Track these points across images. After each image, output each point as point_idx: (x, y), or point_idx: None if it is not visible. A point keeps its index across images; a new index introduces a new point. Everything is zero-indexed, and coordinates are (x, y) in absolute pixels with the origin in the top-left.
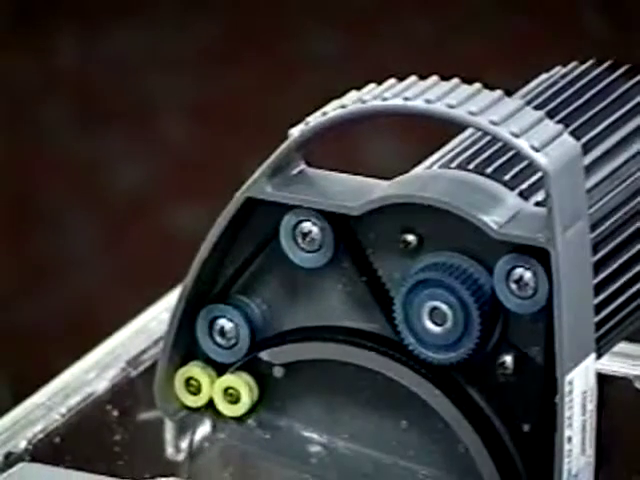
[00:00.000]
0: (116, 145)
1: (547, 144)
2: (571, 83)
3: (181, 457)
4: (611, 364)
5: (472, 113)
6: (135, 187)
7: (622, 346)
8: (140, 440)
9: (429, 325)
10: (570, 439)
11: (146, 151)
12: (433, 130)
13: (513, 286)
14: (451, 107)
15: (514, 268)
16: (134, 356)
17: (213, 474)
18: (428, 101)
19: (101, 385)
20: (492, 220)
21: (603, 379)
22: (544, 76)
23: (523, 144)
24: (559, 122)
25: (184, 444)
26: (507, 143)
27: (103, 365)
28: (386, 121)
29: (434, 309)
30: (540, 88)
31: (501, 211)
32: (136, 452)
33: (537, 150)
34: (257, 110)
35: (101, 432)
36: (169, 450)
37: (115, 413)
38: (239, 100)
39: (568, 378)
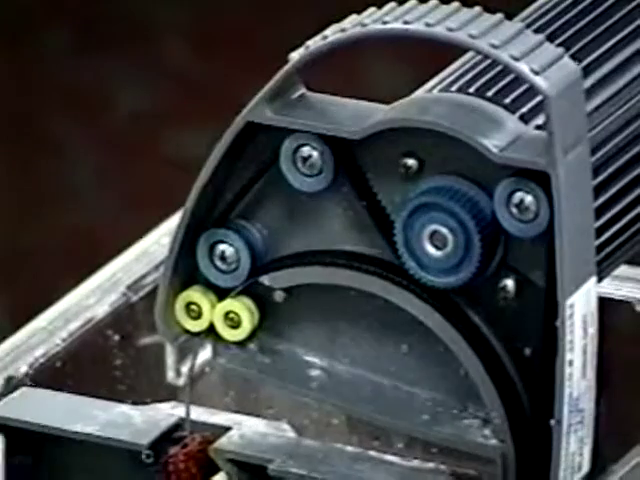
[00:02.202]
0: (117, 71)
1: (547, 67)
2: (571, 5)
3: (182, 381)
4: (612, 287)
5: (472, 36)
6: (137, 112)
7: (623, 269)
8: (141, 365)
9: (430, 249)
10: (571, 363)
11: (147, 76)
12: (434, 54)
13: (514, 210)
14: (451, 30)
15: (515, 192)
16: (135, 281)
17: (214, 398)
18: (428, 24)
19: (102, 310)
20: (493, 144)
21: (604, 302)
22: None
23: (523, 67)
24: (559, 45)
25: (185, 369)
26: (507, 66)
27: (104, 290)
28: (386, 45)
29: (435, 233)
30: (540, 11)
31: (502, 135)
32: (137, 377)
33: (537, 73)
34: (260, 34)
35: (102, 357)
36: (170, 374)
37: (116, 338)
38: (241, 25)
39: (569, 302)
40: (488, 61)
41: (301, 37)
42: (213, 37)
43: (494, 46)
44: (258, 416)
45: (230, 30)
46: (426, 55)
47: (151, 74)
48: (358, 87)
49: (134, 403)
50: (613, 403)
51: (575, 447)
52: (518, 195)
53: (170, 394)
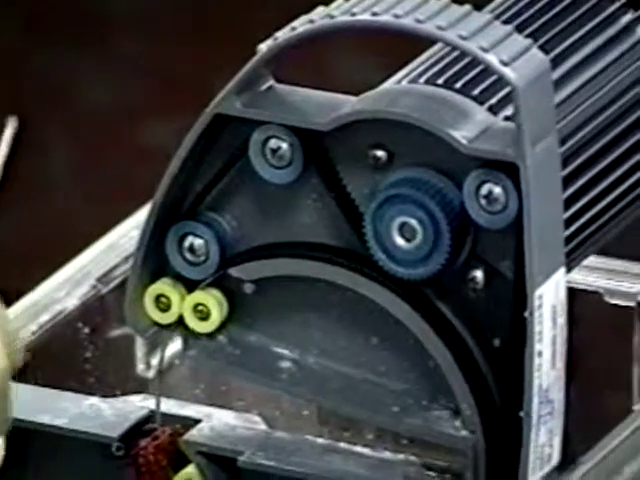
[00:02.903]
0: (84, 62)
1: (516, 58)
2: None
3: (152, 374)
4: (581, 278)
5: (441, 28)
6: (106, 104)
7: (592, 260)
8: (110, 357)
9: (399, 240)
10: (540, 353)
11: (116, 69)
12: (402, 45)
13: (483, 201)
14: (420, 22)
15: (483, 183)
16: (104, 273)
17: (184, 391)
18: (396, 16)
19: (71, 302)
20: (461, 135)
21: (573, 293)
22: None
23: (492, 59)
24: (528, 36)
25: (154, 361)
26: (476, 58)
27: (73, 282)
28: (355, 36)
29: (404, 224)
30: (509, 2)
31: (470, 126)
32: (107, 369)
33: (506, 64)
34: (229, 26)
35: (72, 349)
36: (140, 367)
37: (86, 330)
38: (210, 15)
39: (538, 292)
40: (457, 52)
41: (270, 28)
42: (182, 28)
43: (463, 37)
44: (228, 408)
45: (199, 21)
46: (395, 46)
47: (120, 66)
48: (327, 78)
49: (104, 395)
50: (583, 394)
51: (545, 438)
52: (487, 186)
53: (140, 386)
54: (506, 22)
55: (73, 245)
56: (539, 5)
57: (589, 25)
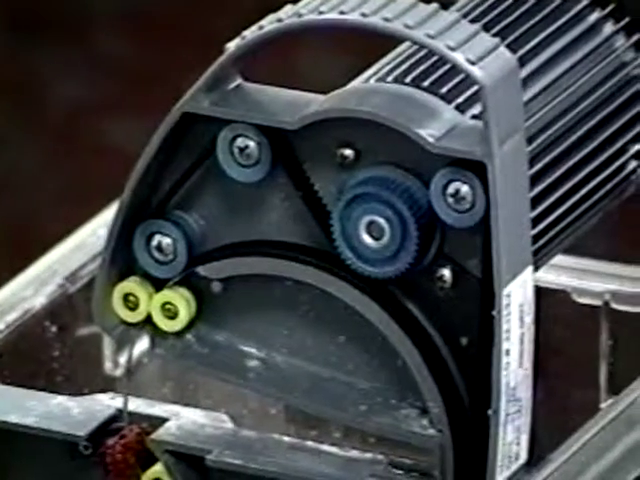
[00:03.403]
0: (53, 59)
1: (483, 57)
2: None
3: (119, 372)
4: (549, 277)
5: (408, 26)
6: (75, 103)
7: (559, 258)
8: (78, 356)
9: (366, 239)
10: (508, 352)
11: (84, 67)
12: (370, 43)
13: (450, 200)
14: (387, 20)
15: (451, 182)
16: (72, 272)
17: (152, 389)
18: (364, 15)
19: (39, 301)
20: (429, 134)
21: (541, 292)
22: None
23: (459, 57)
24: (495, 35)
25: (123, 359)
26: (443, 56)
27: (41, 281)
28: (323, 35)
29: (371, 223)
30: (476, 1)
31: (438, 124)
32: (75, 368)
33: (473, 63)
34: (198, 24)
35: (39, 348)
36: (108, 365)
37: (53, 329)
38: (180, 13)
39: (506, 291)
40: (424, 51)
41: (239, 27)
42: (151, 26)
43: (430, 36)
44: (196, 407)
45: (168, 19)
46: (362, 45)
47: (88, 64)
48: (295, 77)
49: (72, 394)
50: (550, 392)
51: (512, 436)
52: (454, 185)
53: (108, 385)
54: (473, 21)
55: (40, 244)
56: (506, 4)
57: (556, 24)
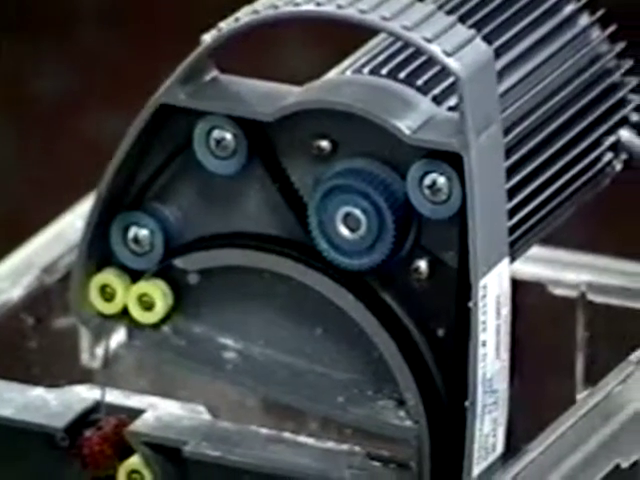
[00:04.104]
0: (35, 53)
1: (459, 49)
2: None
3: (97, 364)
4: (525, 268)
5: (384, 18)
6: (54, 94)
7: (536, 250)
8: (55, 347)
9: (343, 231)
10: (484, 343)
11: (63, 58)
12: (345, 35)
13: (426, 191)
14: (363, 12)
15: (427, 173)
16: (49, 263)
17: (129, 381)
18: (340, 6)
19: (16, 292)
20: (405, 125)
21: (517, 283)
22: None
23: (435, 49)
24: (471, 27)
25: (99, 351)
26: (419, 48)
27: (18, 272)
28: (299, 26)
29: (348, 215)
30: None
31: (414, 116)
32: (52, 359)
33: (449, 55)
34: (176, 17)
35: (16, 340)
36: (85, 357)
37: (30, 321)
38: (158, 4)
39: (482, 282)
40: (400, 43)
41: (217, 17)
42: (130, 17)
43: (406, 28)
44: (173, 398)
45: (147, 10)
46: (338, 36)
47: (68, 55)
48: (271, 69)
49: (49, 386)
50: (526, 384)
51: (489, 428)
52: (431, 177)
53: (85, 377)
54: (449, 13)
55: (17, 235)
56: None
57: (532, 15)
